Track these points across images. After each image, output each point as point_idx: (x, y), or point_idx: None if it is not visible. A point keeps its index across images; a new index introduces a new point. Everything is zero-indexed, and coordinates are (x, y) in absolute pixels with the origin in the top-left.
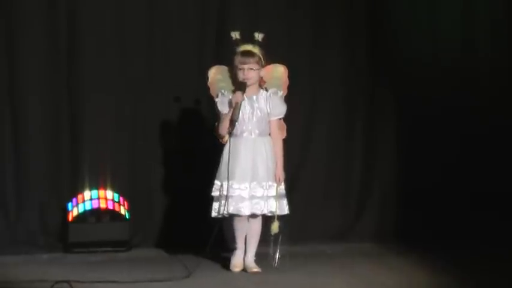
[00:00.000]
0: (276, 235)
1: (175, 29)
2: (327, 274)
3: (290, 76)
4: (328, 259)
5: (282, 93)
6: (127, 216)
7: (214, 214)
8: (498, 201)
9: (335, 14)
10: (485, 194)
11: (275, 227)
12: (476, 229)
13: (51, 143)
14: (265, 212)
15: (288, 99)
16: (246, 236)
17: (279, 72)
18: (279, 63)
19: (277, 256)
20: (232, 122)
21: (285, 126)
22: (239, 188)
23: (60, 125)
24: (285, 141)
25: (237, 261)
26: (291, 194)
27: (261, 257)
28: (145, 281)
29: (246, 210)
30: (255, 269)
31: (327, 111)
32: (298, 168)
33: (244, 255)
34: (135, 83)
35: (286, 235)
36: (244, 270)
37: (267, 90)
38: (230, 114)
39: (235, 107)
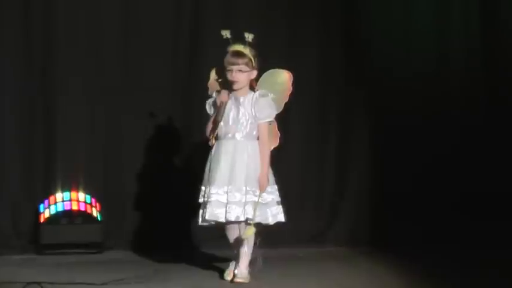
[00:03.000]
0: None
1: (149, 32)
2: (300, 278)
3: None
4: (301, 263)
5: (272, 96)
6: (99, 218)
7: (199, 222)
8: (471, 204)
9: (311, 15)
10: (459, 197)
11: (249, 231)
12: (448, 233)
13: (23, 144)
14: (242, 218)
15: None
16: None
17: (282, 78)
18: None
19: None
20: (216, 123)
21: (278, 134)
22: (217, 193)
23: (33, 126)
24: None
25: (229, 270)
26: None
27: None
28: (116, 283)
29: (223, 217)
30: (239, 279)
31: (301, 116)
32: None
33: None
34: (110, 87)
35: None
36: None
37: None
38: (214, 115)
39: (220, 106)
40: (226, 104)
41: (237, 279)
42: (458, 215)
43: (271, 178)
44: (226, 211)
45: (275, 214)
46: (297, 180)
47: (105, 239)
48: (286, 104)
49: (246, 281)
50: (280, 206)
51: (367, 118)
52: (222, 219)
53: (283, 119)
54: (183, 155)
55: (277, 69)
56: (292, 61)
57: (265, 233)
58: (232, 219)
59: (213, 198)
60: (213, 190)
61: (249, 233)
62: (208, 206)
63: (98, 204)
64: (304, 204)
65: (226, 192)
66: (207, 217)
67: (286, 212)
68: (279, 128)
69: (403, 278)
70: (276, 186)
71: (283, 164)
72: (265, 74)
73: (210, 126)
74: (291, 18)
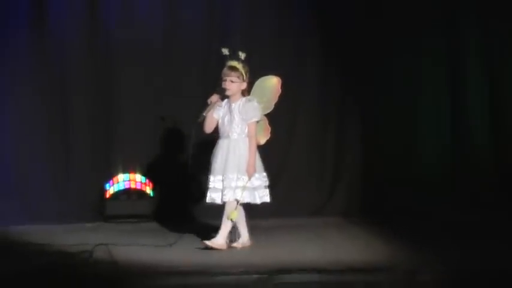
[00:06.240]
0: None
1: (188, 47)
2: (304, 240)
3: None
4: (304, 230)
5: (256, 101)
6: (152, 195)
7: (206, 201)
8: (453, 177)
9: (314, 32)
10: (439, 175)
11: (233, 215)
12: (425, 209)
13: (93, 135)
14: (232, 199)
15: (276, 105)
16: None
17: (271, 82)
18: (271, 73)
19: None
20: (204, 118)
21: (269, 128)
22: (214, 181)
23: (100, 121)
24: (272, 139)
25: (238, 242)
26: (277, 179)
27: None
28: (164, 245)
29: (219, 200)
30: (247, 244)
31: (306, 114)
32: (283, 158)
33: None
34: (159, 88)
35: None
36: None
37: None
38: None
39: (209, 104)
40: (215, 104)
41: (245, 245)
42: (437, 192)
43: (260, 167)
44: (222, 195)
45: (262, 196)
46: (303, 165)
47: (156, 211)
48: (293, 102)
49: (216, 247)
50: (267, 190)
51: (358, 116)
52: (218, 202)
53: (291, 114)
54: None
55: (267, 76)
56: (298, 70)
57: (278, 207)
58: (226, 200)
59: (211, 185)
60: (211, 178)
61: (234, 216)
62: (208, 191)
63: (151, 183)
64: (307, 182)
65: (221, 180)
66: (207, 200)
67: (294, 190)
68: (286, 125)
69: (390, 242)
70: (264, 173)
71: (292, 155)
72: (257, 81)
73: (205, 123)
74: (298, 31)
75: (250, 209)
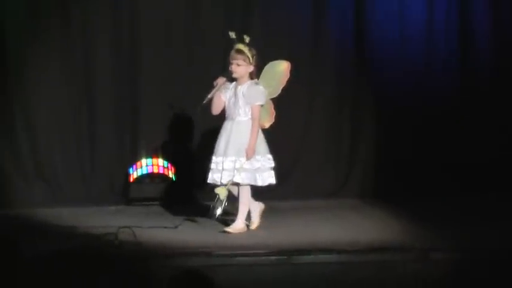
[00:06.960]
0: (220, 198)
1: (207, 43)
2: (322, 221)
3: (294, 72)
4: (323, 211)
5: (262, 84)
6: (174, 179)
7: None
8: (457, 165)
9: (330, 27)
10: (448, 160)
11: (220, 191)
12: (436, 190)
13: (117, 121)
14: (229, 181)
15: (294, 92)
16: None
17: (281, 67)
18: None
19: (218, 212)
20: (210, 100)
21: (273, 113)
22: (215, 162)
23: (125, 108)
24: (290, 124)
25: (251, 222)
26: (295, 163)
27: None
28: (185, 224)
29: (219, 180)
30: (253, 225)
31: (322, 101)
32: (300, 143)
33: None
34: (182, 75)
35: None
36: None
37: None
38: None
39: (214, 87)
40: (220, 86)
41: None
42: (447, 175)
43: (262, 148)
44: (221, 176)
45: (265, 178)
46: (321, 150)
47: (178, 194)
48: (310, 89)
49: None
50: (272, 172)
51: (373, 103)
52: (218, 182)
53: (308, 101)
54: None
55: (277, 61)
56: (316, 61)
57: (296, 189)
58: (225, 182)
59: (213, 166)
60: (214, 159)
61: (220, 191)
62: (210, 171)
63: (173, 167)
64: (326, 167)
65: (221, 161)
66: (208, 180)
67: (313, 173)
68: (303, 112)
69: (404, 223)
70: (269, 156)
71: (310, 140)
72: (267, 65)
73: (212, 104)
74: (315, 28)
75: (267, 191)
